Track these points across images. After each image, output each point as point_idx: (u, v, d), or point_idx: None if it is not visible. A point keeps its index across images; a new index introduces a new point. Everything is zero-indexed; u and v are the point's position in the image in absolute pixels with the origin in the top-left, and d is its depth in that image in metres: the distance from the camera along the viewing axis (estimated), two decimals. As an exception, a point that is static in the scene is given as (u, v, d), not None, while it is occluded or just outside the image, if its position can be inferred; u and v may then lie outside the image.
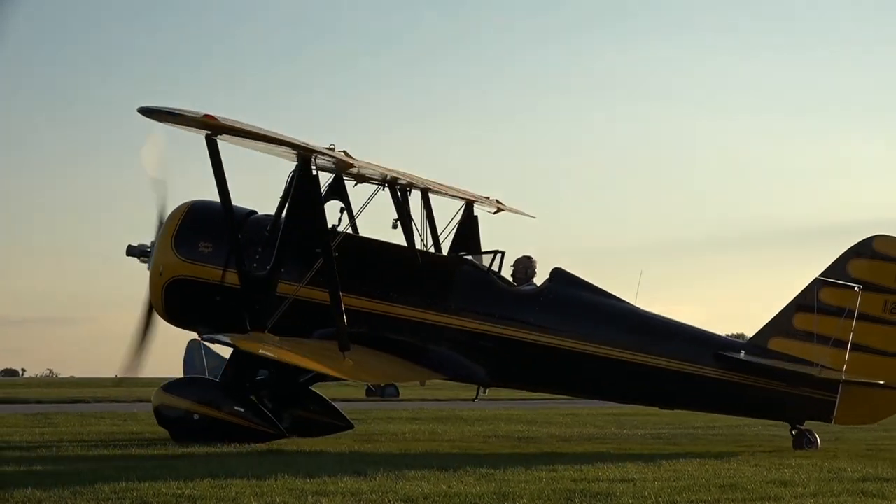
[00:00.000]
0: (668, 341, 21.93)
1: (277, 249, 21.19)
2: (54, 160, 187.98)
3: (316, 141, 21.12)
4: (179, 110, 19.07)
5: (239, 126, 19.56)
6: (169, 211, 22.65)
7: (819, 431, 21.85)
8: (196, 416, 20.71)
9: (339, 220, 22.53)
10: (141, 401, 38.49)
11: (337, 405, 24.24)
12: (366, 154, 21.60)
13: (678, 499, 13.43)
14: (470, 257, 22.98)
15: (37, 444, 20.71)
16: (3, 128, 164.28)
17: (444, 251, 23.45)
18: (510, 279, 22.84)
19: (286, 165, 21.60)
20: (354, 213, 22.80)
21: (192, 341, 33.55)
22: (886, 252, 21.60)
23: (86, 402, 44.94)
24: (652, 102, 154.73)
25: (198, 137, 20.20)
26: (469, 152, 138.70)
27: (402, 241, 23.24)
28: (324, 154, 20.84)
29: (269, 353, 20.40)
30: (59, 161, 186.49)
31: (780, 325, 21.92)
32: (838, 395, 21.36)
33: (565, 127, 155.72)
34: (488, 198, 24.51)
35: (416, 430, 26.10)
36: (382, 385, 51.79)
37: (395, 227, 23.18)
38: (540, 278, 22.77)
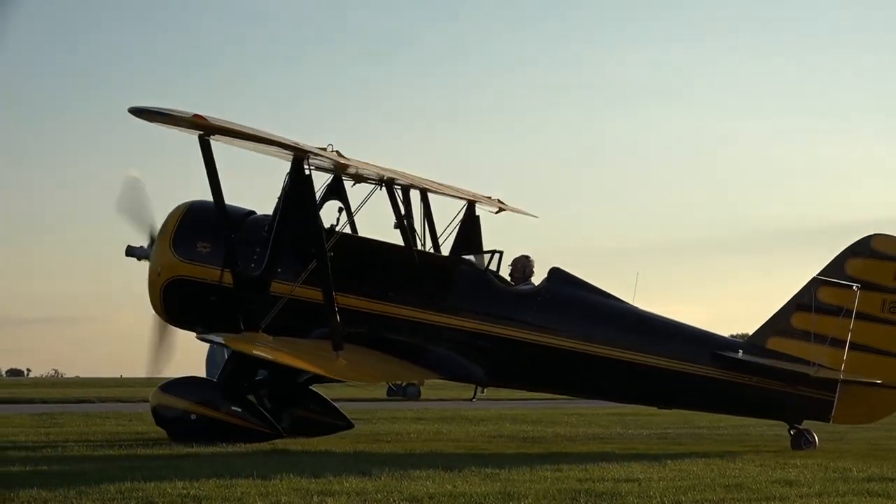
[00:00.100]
0: (667, 341, 21.66)
1: (270, 249, 21.00)
2: (59, 160, 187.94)
3: (318, 142, 21.01)
4: (169, 110, 18.92)
5: (228, 126, 19.41)
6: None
7: (823, 431, 21.64)
8: (193, 416, 20.50)
9: (338, 219, 22.34)
10: (146, 401, 38.12)
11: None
12: (371, 155, 21.48)
13: (683, 498, 13.22)
14: (468, 257, 22.67)
15: (42, 444, 20.51)
16: (7, 127, 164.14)
17: (447, 251, 23.12)
18: (508, 279, 22.54)
19: (287, 166, 21.32)
20: (350, 214, 22.57)
21: None
22: (885, 251, 21.33)
23: (91, 402, 44.61)
24: (654, 104, 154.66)
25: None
26: (471, 153, 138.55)
27: (410, 242, 22.94)
28: (316, 154, 20.63)
29: (262, 354, 20.21)
30: (65, 161, 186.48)
31: (778, 324, 21.66)
32: (836, 395, 21.08)
33: (567, 127, 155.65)
34: (490, 197, 24.25)
35: (420, 430, 25.82)
36: (404, 385, 51.23)
37: (396, 227, 22.95)
38: (538, 278, 22.47)
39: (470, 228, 23.17)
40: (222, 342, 20.56)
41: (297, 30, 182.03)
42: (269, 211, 21.91)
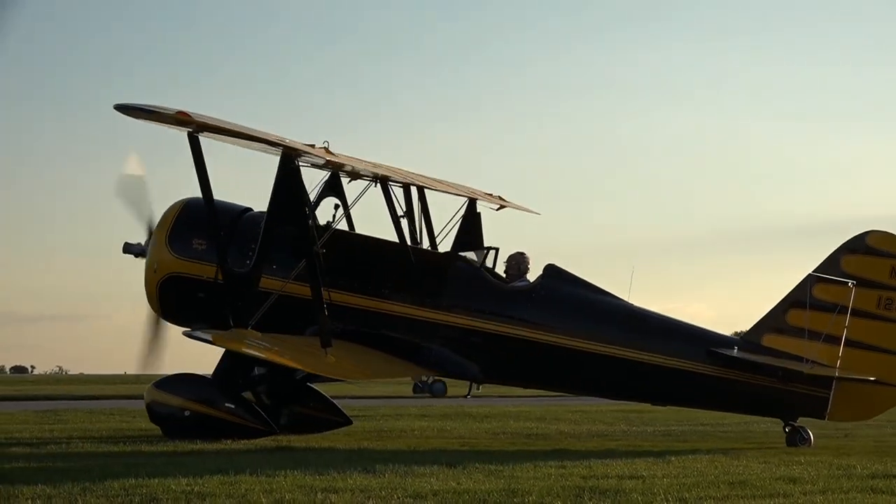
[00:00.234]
0: (662, 338, 21.34)
1: (259, 246, 20.70)
2: (64, 158, 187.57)
3: (317, 141, 20.75)
4: (153, 107, 18.75)
5: (213, 123, 19.16)
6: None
7: (828, 428, 21.36)
8: (187, 413, 20.24)
9: (334, 216, 22.04)
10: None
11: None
12: (372, 155, 21.19)
13: (687, 495, 12.98)
14: (463, 254, 22.30)
15: (46, 441, 20.30)
16: (10, 127, 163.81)
17: (447, 248, 22.74)
18: (503, 275, 22.18)
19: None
20: (347, 211, 22.28)
21: None
22: (880, 247, 21.00)
23: (95, 399, 44.27)
24: (657, 102, 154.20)
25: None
26: (472, 152, 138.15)
27: (405, 239, 22.64)
28: (303, 152, 20.33)
29: (248, 351, 19.95)
30: (70, 159, 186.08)
31: (773, 321, 21.32)
32: (832, 392, 20.70)
33: (568, 127, 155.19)
34: (491, 195, 23.92)
35: (424, 427, 25.53)
36: (430, 381, 50.62)
37: (394, 223, 22.61)
38: (533, 275, 22.09)
39: (471, 225, 22.78)
40: (209, 339, 20.20)
41: (298, 30, 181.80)
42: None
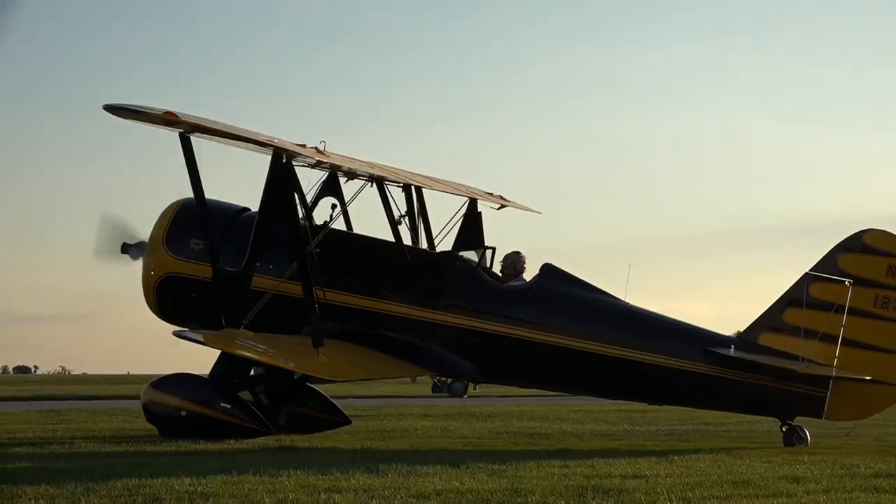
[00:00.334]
0: (659, 337, 21.08)
1: (251, 245, 20.46)
2: (64, 158, 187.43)
3: (316, 141, 20.55)
4: (141, 107, 18.56)
5: (201, 123, 18.98)
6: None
7: (830, 427, 21.10)
8: (183, 413, 20.05)
9: (331, 216, 21.86)
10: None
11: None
12: (373, 155, 20.97)
13: (690, 495, 12.79)
14: (460, 253, 22.05)
15: (49, 441, 20.13)
16: (10, 127, 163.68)
17: (448, 247, 22.49)
18: (500, 275, 21.95)
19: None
20: (344, 211, 22.12)
21: None
22: (877, 246, 20.74)
23: (98, 399, 44.05)
24: (658, 102, 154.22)
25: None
26: (473, 152, 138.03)
27: (405, 239, 22.35)
28: (294, 152, 20.15)
29: (240, 352, 19.78)
30: (70, 159, 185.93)
31: (770, 320, 21.06)
32: (829, 391, 20.44)
33: (568, 127, 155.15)
34: (492, 194, 23.67)
35: (427, 427, 25.30)
36: (449, 381, 50.15)
37: (399, 223, 22.35)
38: (530, 274, 21.83)
39: (473, 224, 22.52)
40: (201, 340, 19.98)
41: (298, 30, 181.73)
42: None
